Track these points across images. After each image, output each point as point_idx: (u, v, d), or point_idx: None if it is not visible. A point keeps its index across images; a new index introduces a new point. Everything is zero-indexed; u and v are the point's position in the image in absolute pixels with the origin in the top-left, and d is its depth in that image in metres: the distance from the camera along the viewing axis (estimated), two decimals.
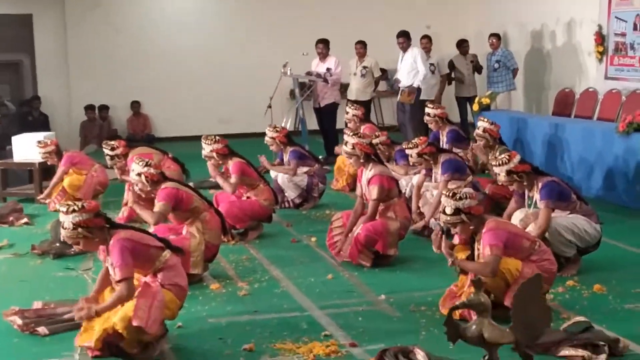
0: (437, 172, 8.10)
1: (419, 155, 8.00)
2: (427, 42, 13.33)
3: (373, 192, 7.03)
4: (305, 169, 9.49)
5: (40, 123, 14.09)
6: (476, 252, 5.57)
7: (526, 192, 6.72)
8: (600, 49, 12.27)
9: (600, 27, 12.21)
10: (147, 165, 6.84)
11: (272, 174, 9.67)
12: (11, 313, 5.76)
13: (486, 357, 3.35)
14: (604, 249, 7.41)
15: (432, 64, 13.16)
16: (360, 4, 16.19)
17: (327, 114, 13.07)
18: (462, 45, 14.17)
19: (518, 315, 3.16)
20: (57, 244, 7.63)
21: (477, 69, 14.13)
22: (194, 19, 15.78)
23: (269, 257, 7.48)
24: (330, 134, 13.15)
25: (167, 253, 5.31)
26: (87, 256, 7.52)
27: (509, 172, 6.57)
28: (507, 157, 6.61)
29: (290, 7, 15.94)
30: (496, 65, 13.46)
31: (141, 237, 5.29)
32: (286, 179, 9.45)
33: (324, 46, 12.85)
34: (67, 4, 15.36)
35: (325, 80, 12.57)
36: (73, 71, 15.40)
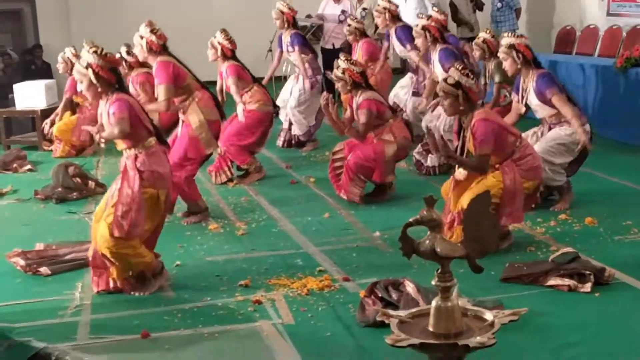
0: (434, 58, 8.11)
1: (423, 28, 8.03)
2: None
3: (362, 117, 7.08)
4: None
5: (43, 71, 14.08)
6: (465, 141, 5.65)
7: (521, 83, 6.72)
8: None
9: None
10: (153, 32, 6.81)
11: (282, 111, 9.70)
12: (14, 254, 5.89)
13: (439, 270, 3.45)
14: (599, 183, 7.55)
15: (433, 4, 13.06)
16: None
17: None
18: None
19: (468, 230, 3.26)
20: (60, 189, 7.76)
21: (479, 6, 14.00)
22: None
23: (268, 197, 7.58)
24: None
25: (152, 140, 5.35)
26: (88, 200, 7.65)
27: (510, 46, 6.54)
28: (517, 35, 6.66)
29: None
30: (499, 5, 13.35)
31: (140, 111, 5.34)
32: (297, 111, 9.50)
33: None
34: None
35: (341, 23, 12.50)
36: (74, 18, 15.35)
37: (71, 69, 8.81)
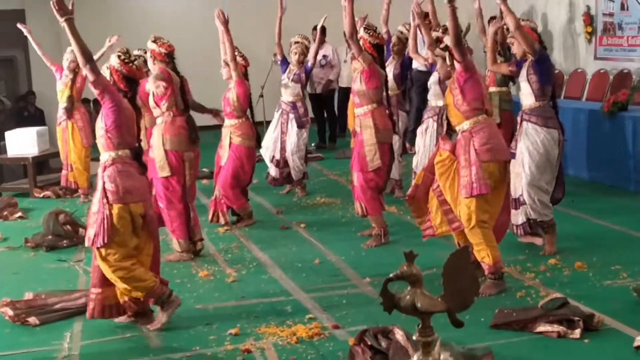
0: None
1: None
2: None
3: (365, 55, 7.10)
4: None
5: (36, 118, 14.18)
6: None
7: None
8: (589, 29, 12.30)
9: (588, 7, 12.26)
10: (155, 41, 7.09)
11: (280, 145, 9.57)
12: (3, 304, 5.86)
13: (419, 325, 3.46)
14: (587, 226, 7.58)
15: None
16: None
17: (324, 100, 13.14)
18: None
19: (448, 285, 3.27)
20: (50, 237, 7.75)
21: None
22: (185, 12, 15.82)
23: (258, 243, 7.59)
24: (330, 120, 13.23)
25: (127, 152, 5.35)
26: (78, 248, 7.64)
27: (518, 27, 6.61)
28: (527, 20, 6.93)
29: None
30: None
31: (130, 121, 5.40)
32: (297, 157, 9.40)
33: (319, 33, 12.87)
34: None
35: (323, 67, 12.63)
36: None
37: None
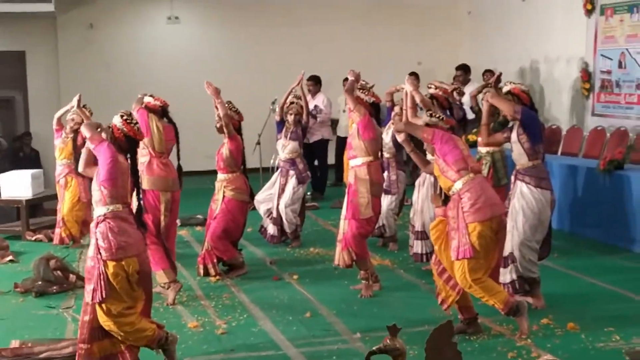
0: None
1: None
2: (414, 79, 13.33)
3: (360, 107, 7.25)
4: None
5: (32, 159, 14.16)
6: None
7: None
8: (587, 85, 12.37)
9: (586, 64, 12.34)
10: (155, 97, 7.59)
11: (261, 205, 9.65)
12: None
13: None
14: (581, 285, 7.52)
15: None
16: (350, 41, 16.32)
17: (317, 150, 13.15)
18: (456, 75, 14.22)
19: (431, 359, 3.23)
20: (40, 282, 7.68)
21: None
22: (184, 56, 15.90)
23: (250, 295, 7.51)
24: (322, 171, 13.23)
25: (121, 207, 5.34)
26: (68, 294, 7.57)
27: (509, 92, 6.92)
28: (518, 83, 7.05)
29: (279, 44, 16.08)
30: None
31: (124, 177, 5.41)
32: (291, 210, 9.39)
33: (312, 83, 12.96)
34: (60, 42, 15.50)
35: (314, 117, 12.67)
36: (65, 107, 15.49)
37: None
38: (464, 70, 13.54)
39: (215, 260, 8.12)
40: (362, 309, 7.00)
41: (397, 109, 8.98)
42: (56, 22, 15.40)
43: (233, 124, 8.16)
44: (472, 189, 5.88)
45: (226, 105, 8.16)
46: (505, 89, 7.09)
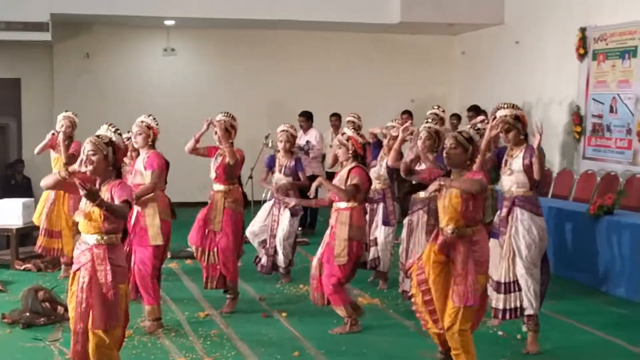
0: None
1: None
2: (407, 117, 13.46)
3: (354, 179, 7.19)
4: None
5: (23, 187, 14.15)
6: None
7: (507, 151, 6.92)
8: (578, 129, 12.47)
9: (578, 107, 12.45)
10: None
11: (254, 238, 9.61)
12: None
13: None
14: (571, 331, 7.51)
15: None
16: (345, 76, 16.43)
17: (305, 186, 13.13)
18: (451, 120, 14.33)
19: None
20: (27, 314, 7.64)
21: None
22: (179, 87, 16.01)
23: (238, 331, 7.48)
24: (312, 208, 13.23)
25: (118, 237, 5.41)
26: (56, 326, 7.53)
27: (517, 119, 6.79)
28: (519, 109, 6.89)
29: (274, 80, 16.20)
30: None
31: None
32: (287, 243, 9.34)
33: (304, 119, 13.03)
34: (55, 69, 15.56)
35: (306, 153, 12.71)
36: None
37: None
38: (475, 111, 13.51)
39: (217, 275, 8.14)
40: (350, 349, 6.98)
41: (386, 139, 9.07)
42: (53, 51, 15.47)
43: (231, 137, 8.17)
44: (483, 241, 5.86)
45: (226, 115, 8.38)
46: (500, 113, 6.88)
